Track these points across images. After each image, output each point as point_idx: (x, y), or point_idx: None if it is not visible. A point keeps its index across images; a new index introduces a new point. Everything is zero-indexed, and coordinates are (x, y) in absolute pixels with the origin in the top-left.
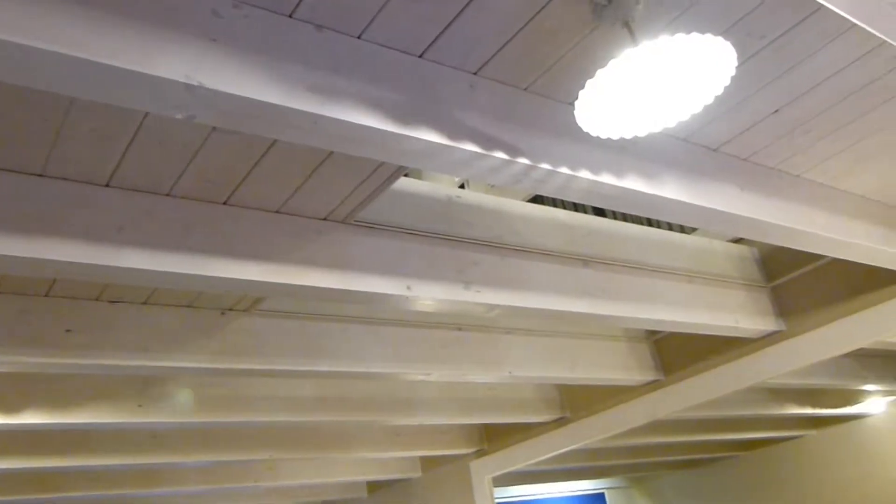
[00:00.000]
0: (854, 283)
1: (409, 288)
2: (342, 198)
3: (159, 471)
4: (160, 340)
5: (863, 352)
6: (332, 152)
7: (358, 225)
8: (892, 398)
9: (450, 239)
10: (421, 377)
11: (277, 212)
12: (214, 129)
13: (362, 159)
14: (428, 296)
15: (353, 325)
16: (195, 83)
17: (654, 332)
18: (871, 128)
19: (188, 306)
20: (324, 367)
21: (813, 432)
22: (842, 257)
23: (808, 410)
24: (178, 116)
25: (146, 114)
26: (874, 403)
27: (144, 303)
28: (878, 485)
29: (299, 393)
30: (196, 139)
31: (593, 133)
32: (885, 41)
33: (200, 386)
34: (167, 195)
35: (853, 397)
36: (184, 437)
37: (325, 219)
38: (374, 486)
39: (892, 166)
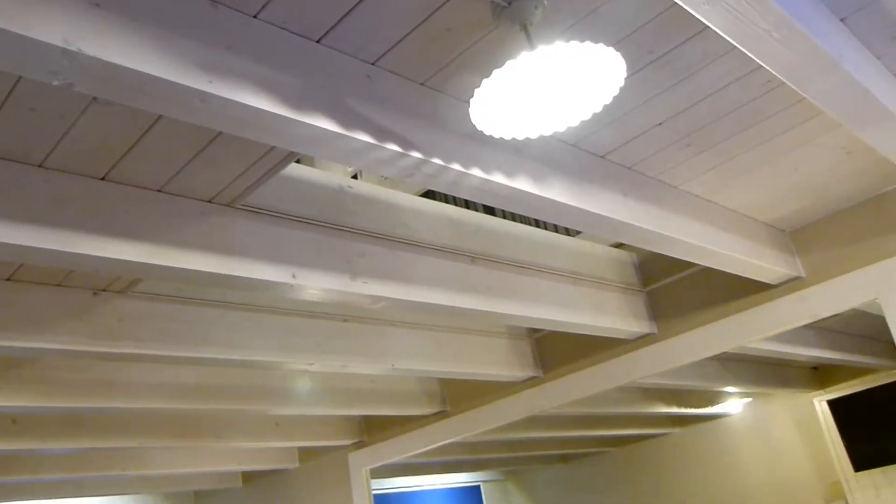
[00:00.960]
0: (721, 291)
1: (294, 276)
2: (229, 181)
3: (20, 457)
4: (25, 320)
5: (725, 356)
6: (220, 133)
7: (244, 209)
8: (748, 399)
9: (338, 229)
10: (303, 367)
11: (159, 191)
12: (94, 99)
13: (252, 142)
14: (313, 285)
15: (235, 311)
16: (74, 49)
17: (535, 330)
18: (745, 146)
19: (57, 285)
20: (202, 354)
21: (678, 430)
22: (712, 266)
23: (675, 409)
24: (55, 83)
25: (19, 78)
26: (733, 404)
27: (8, 279)
28: (735, 478)
29: (174, 379)
30: (73, 109)
31: (487, 132)
32: (760, 65)
33: (67, 369)
34: (39, 166)
35: (715, 398)
36: (47, 423)
37: (209, 201)
38: (249, 477)
39: (761, 185)
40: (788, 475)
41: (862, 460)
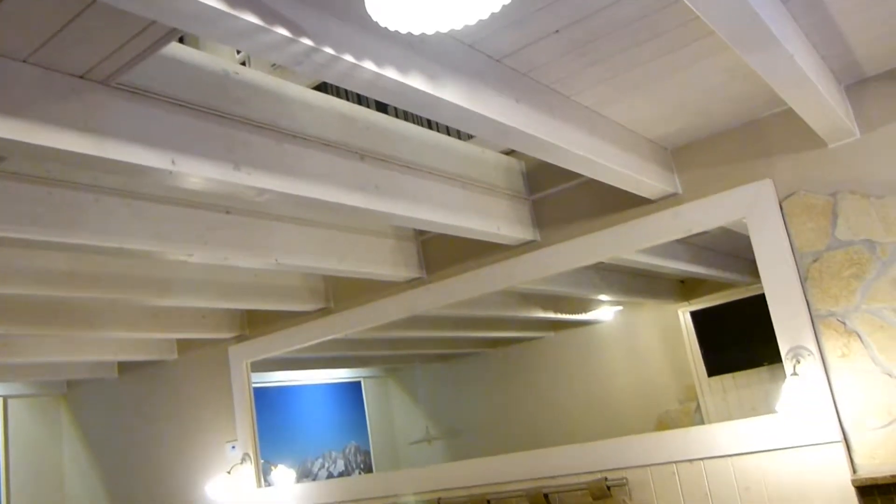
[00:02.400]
0: (603, 203)
1: (173, 162)
2: (104, 55)
3: None
4: None
5: (602, 266)
6: (94, 0)
7: (121, 89)
8: (619, 308)
9: (222, 116)
10: (182, 258)
11: (25, 61)
12: None
13: (130, 15)
14: (194, 173)
15: (110, 197)
16: None
17: (421, 232)
18: (636, 61)
19: None
20: (74, 240)
21: (552, 334)
22: (596, 178)
23: (551, 315)
24: None
25: None
26: (605, 312)
27: None
28: (602, 378)
29: (45, 265)
30: None
31: (382, 23)
32: None
33: None
34: None
35: (589, 305)
36: None
37: (82, 77)
38: (125, 367)
39: (649, 101)
40: (650, 378)
41: (714, 367)
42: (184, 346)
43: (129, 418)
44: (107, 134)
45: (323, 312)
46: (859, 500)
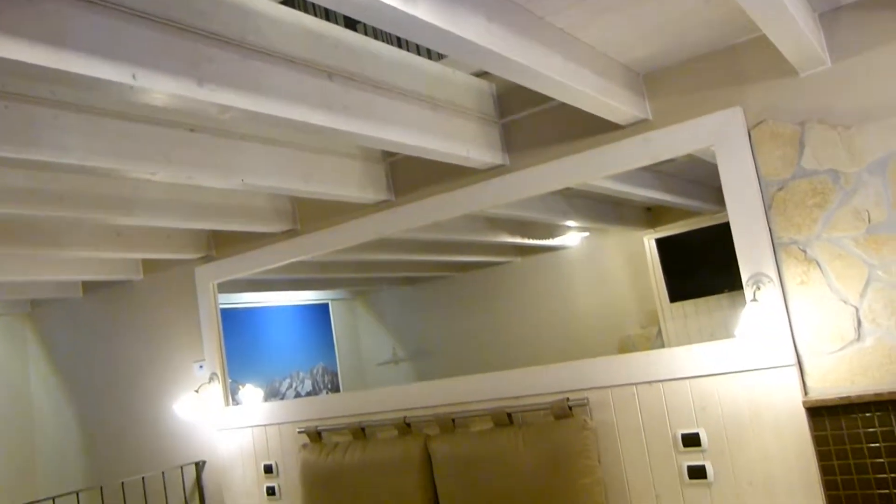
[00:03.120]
0: (573, 128)
1: (134, 77)
2: None
3: None
4: None
5: (570, 192)
6: None
7: None
8: (586, 234)
9: (186, 29)
10: (146, 176)
11: None
12: None
13: None
14: (155, 88)
15: (70, 112)
16: None
17: (389, 154)
18: None
19: None
20: (31, 156)
21: (519, 259)
22: (567, 102)
23: (518, 240)
24: None
25: None
26: (572, 237)
27: None
28: (568, 304)
29: (3, 182)
30: None
31: None
32: None
33: None
34: None
35: (556, 231)
36: None
37: None
38: (89, 287)
39: (623, 24)
40: (614, 303)
41: (676, 293)
42: (149, 266)
43: (95, 338)
44: (66, 46)
45: (290, 234)
46: (808, 421)
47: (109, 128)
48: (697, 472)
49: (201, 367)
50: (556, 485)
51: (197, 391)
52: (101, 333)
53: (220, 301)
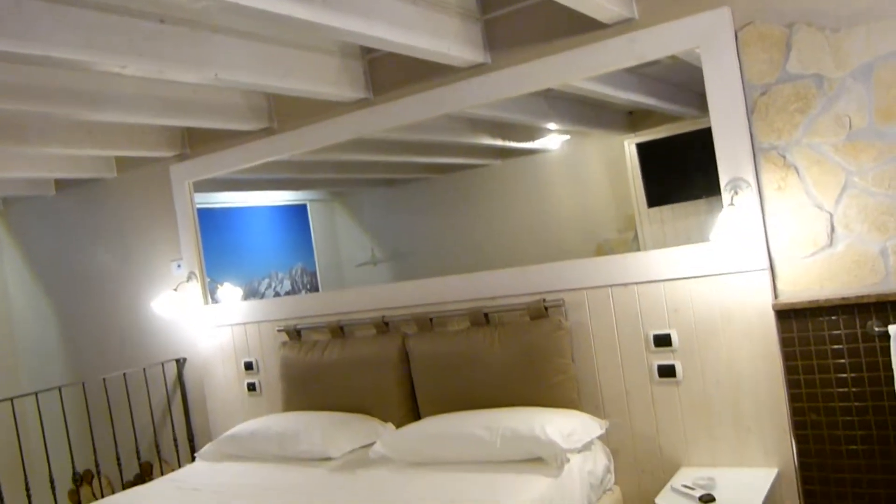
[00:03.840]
0: (556, 26)
1: None
2: None
3: None
4: None
5: (551, 93)
6: None
7: None
8: (567, 137)
9: None
10: (115, 70)
11: None
12: None
13: None
14: None
15: (33, 1)
16: None
17: (368, 51)
18: None
19: None
20: None
21: (498, 162)
22: None
23: (499, 142)
24: None
25: None
26: (552, 140)
27: None
28: (546, 207)
29: None
30: None
31: None
32: None
33: None
34: None
35: (537, 133)
36: None
37: None
38: (62, 185)
39: None
40: (592, 207)
41: (655, 198)
42: (123, 164)
43: (70, 237)
44: None
45: (266, 132)
46: (777, 323)
47: (76, 17)
48: (667, 371)
49: (179, 266)
50: (530, 382)
51: (175, 290)
52: (76, 232)
53: (197, 201)
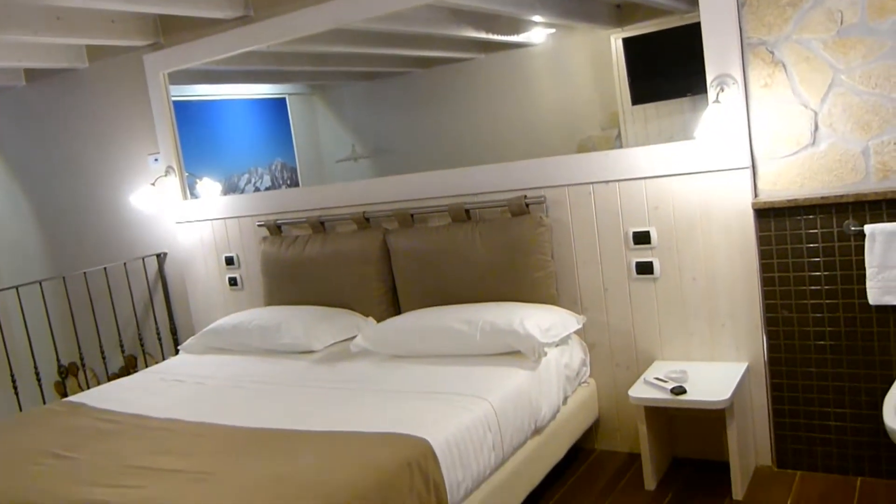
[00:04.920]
0: None
1: None
2: None
3: None
4: None
5: None
6: None
7: None
8: (552, 31)
9: None
10: None
11: None
12: None
13: None
14: None
15: None
16: None
17: None
18: None
19: None
20: None
21: (482, 56)
22: None
23: (482, 35)
24: None
25: None
26: (537, 34)
27: None
28: (530, 102)
29: None
30: None
31: None
32: None
33: None
34: None
35: (521, 26)
36: None
37: None
38: (32, 75)
39: None
40: (576, 104)
41: (639, 95)
42: (94, 53)
43: (43, 129)
44: None
45: (243, 21)
46: (755, 221)
47: None
48: (645, 268)
49: (156, 160)
50: (509, 277)
51: (153, 184)
52: (49, 124)
53: (174, 93)
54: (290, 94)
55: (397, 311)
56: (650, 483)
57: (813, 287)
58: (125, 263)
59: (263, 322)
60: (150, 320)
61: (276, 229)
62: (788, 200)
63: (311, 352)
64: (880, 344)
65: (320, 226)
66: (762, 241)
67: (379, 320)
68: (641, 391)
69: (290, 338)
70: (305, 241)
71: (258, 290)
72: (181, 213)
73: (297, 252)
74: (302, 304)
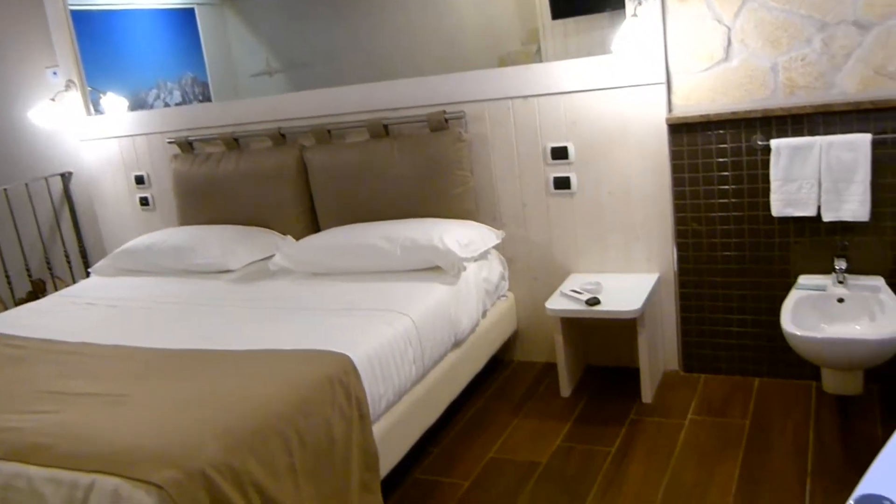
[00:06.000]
0: None
1: None
2: None
3: None
4: None
5: None
6: None
7: None
8: None
9: None
10: None
11: None
12: None
13: None
14: None
15: None
16: None
17: None
18: None
19: None
20: None
21: None
22: None
23: None
24: None
25: None
26: None
27: None
28: (448, 17)
29: None
30: None
31: None
32: None
33: None
34: None
35: None
36: None
37: None
38: None
39: None
40: (495, 18)
41: (559, 10)
42: None
43: None
44: None
45: None
46: (669, 136)
47: None
48: (562, 183)
49: (55, 73)
50: (429, 193)
51: (53, 99)
52: None
53: (71, 1)
54: (198, 4)
55: (316, 228)
56: (566, 390)
57: (721, 200)
58: (27, 184)
59: (178, 242)
60: (57, 243)
61: (187, 146)
62: (700, 116)
63: (228, 271)
64: (780, 254)
65: (234, 143)
66: (675, 155)
67: (297, 238)
68: (557, 303)
69: (205, 258)
70: (219, 158)
71: (171, 210)
72: (85, 131)
73: (210, 170)
74: (218, 224)
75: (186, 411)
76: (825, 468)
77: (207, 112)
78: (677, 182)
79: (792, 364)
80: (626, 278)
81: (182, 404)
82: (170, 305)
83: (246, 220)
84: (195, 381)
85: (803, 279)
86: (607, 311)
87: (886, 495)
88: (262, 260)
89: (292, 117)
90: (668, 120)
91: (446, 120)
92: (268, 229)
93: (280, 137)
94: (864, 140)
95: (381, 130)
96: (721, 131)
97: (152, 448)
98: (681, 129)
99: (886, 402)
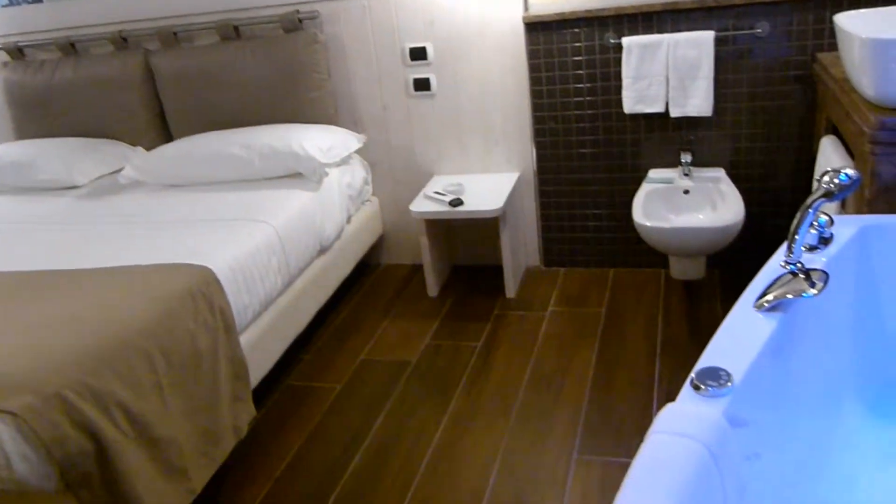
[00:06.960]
0: None
1: None
2: None
3: None
4: None
5: None
6: None
7: None
8: None
9: None
10: None
11: None
12: None
13: None
14: None
15: None
16: None
17: None
18: None
19: None
20: None
21: None
22: None
23: None
24: None
25: None
26: None
27: None
28: None
29: None
30: None
31: None
32: None
33: None
34: None
35: None
36: None
37: None
38: None
39: None
40: None
41: None
42: None
43: None
44: None
45: None
46: (525, 34)
47: None
48: (422, 85)
49: None
50: (286, 98)
51: None
52: None
53: None
54: None
55: (168, 138)
56: (433, 290)
57: (577, 98)
58: None
59: (15, 157)
60: None
61: (17, 53)
62: (556, 14)
63: (75, 187)
64: (632, 149)
65: (71, 48)
66: (531, 54)
67: (148, 149)
68: (421, 205)
69: (48, 173)
70: (54, 65)
71: (6, 124)
72: None
73: (46, 79)
74: (59, 137)
75: (40, 334)
76: (672, 347)
77: (38, 14)
78: (535, 81)
79: (643, 254)
80: (488, 178)
81: (35, 327)
82: (14, 225)
83: (91, 131)
84: (48, 302)
85: (653, 173)
86: (470, 212)
87: (722, 367)
88: (111, 173)
89: (134, 19)
90: (524, 18)
91: (300, 20)
92: (115, 140)
93: (122, 41)
94: (707, 37)
95: (232, 32)
96: (576, 30)
97: (4, 374)
98: (537, 28)
99: (726, 285)
